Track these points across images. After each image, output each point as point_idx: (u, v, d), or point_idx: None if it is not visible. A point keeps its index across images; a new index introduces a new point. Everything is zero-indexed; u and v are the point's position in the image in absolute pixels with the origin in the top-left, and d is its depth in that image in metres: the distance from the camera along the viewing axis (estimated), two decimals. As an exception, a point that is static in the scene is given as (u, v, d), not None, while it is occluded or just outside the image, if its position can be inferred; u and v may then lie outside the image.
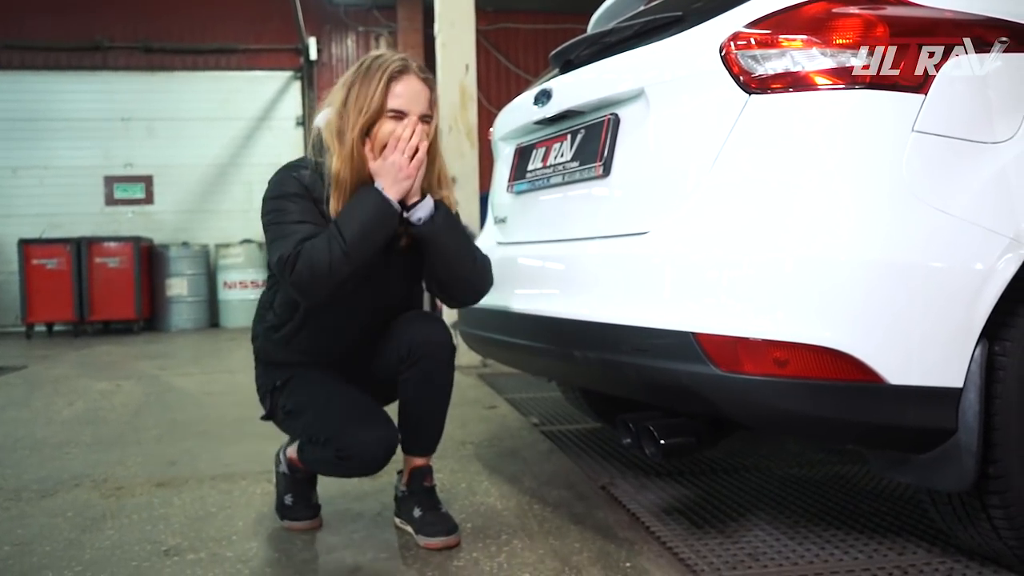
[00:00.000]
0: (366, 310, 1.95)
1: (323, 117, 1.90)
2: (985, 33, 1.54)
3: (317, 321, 1.92)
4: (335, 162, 1.82)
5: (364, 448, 1.82)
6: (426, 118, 1.86)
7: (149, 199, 9.79)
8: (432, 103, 1.90)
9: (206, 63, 9.81)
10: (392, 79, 1.83)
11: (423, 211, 1.86)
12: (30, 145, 9.48)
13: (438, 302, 2.13)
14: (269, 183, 1.89)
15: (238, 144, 9.90)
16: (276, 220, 1.82)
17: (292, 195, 1.84)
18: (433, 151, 1.90)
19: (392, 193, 1.81)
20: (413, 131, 1.83)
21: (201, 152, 9.81)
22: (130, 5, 9.58)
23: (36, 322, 8.52)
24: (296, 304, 1.90)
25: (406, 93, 1.83)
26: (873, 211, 1.46)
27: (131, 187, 9.75)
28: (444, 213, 1.90)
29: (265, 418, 2.06)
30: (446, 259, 1.90)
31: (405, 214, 1.85)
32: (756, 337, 1.46)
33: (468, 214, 5.14)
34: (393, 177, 1.81)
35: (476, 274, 1.96)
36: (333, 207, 1.82)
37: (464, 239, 1.94)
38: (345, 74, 1.89)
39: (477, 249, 1.99)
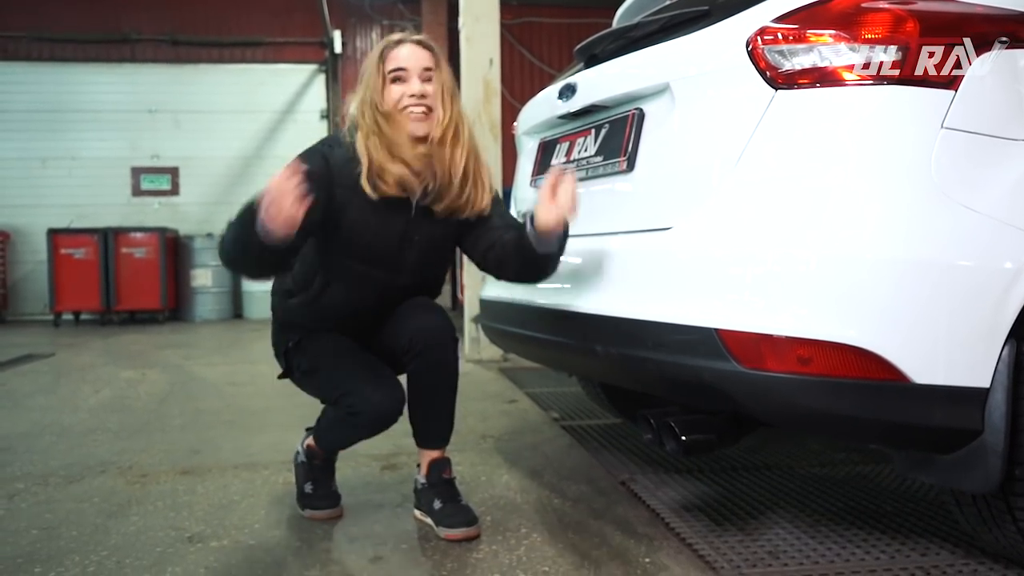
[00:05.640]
0: (375, 293, 1.97)
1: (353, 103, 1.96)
2: (1016, 29, 1.52)
3: (328, 298, 1.95)
4: (359, 139, 1.86)
5: (373, 404, 1.86)
6: (428, 71, 1.88)
7: (175, 190, 9.91)
8: (436, 62, 1.90)
9: (232, 56, 9.91)
10: (387, 47, 1.89)
11: (550, 247, 1.86)
12: (59, 136, 9.63)
13: (460, 289, 2.14)
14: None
15: (263, 136, 9.98)
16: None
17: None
18: (460, 140, 1.91)
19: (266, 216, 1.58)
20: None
21: (226, 144, 9.90)
22: (158, -2, 9.69)
23: (64, 311, 8.67)
24: (311, 278, 1.94)
25: (401, 54, 1.88)
26: (900, 208, 1.44)
27: (157, 178, 9.88)
28: (561, 237, 1.87)
29: (282, 376, 2.11)
30: (539, 265, 1.92)
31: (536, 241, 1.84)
32: (780, 334, 1.44)
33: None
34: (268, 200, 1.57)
35: (548, 274, 1.97)
36: (364, 182, 1.83)
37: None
38: None
39: None
